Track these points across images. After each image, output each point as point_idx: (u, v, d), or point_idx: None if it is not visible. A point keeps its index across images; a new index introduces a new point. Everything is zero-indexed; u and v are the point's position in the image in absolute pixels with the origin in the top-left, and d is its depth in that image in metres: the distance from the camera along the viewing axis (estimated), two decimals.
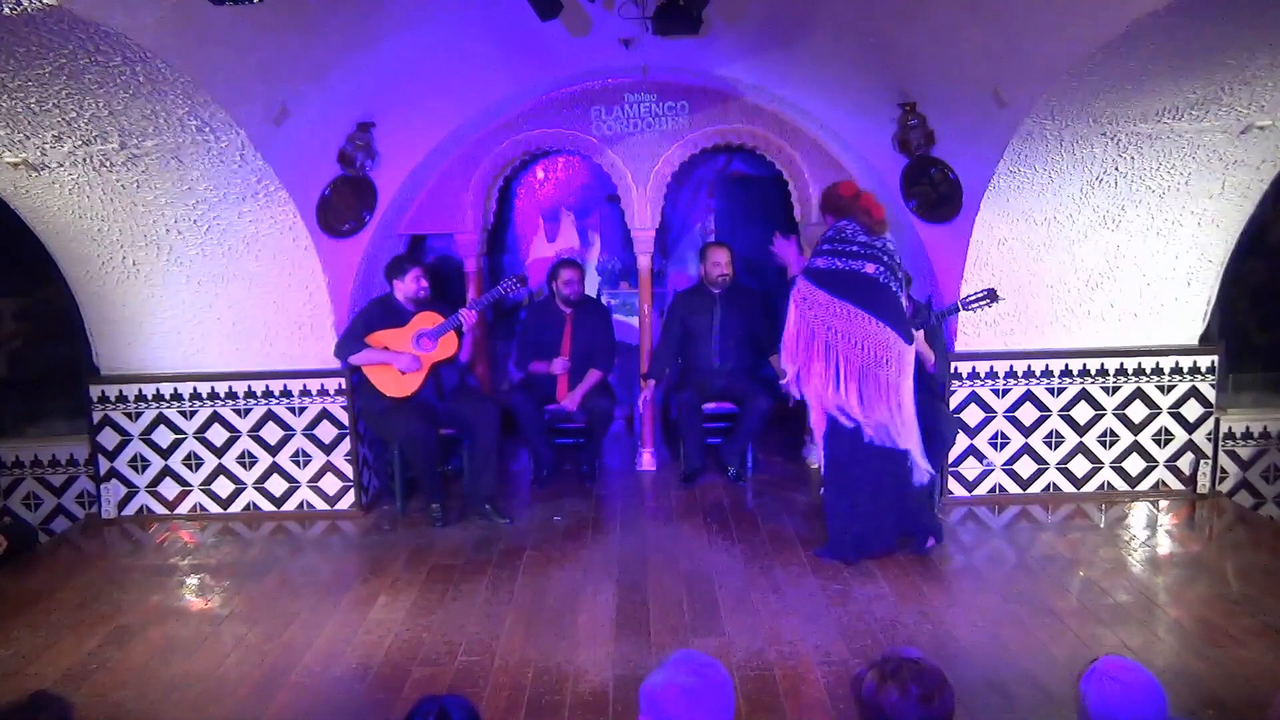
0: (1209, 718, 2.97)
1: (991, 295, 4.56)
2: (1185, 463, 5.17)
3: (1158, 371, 5.10)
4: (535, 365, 5.68)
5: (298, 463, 5.24)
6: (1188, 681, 3.18)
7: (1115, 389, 5.12)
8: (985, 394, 5.12)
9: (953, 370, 5.04)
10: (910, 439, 4.13)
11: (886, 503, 4.23)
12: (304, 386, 5.18)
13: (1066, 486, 5.21)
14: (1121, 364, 5.09)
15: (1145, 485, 5.20)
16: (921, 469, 4.15)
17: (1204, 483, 5.17)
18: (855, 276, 4.07)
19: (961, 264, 4.85)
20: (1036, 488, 5.22)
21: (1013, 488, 5.22)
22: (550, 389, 5.63)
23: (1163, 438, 5.15)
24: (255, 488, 5.27)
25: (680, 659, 1.98)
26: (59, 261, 4.88)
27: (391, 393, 4.89)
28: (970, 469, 5.20)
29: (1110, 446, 5.17)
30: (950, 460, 5.12)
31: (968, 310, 4.60)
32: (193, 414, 5.17)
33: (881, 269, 4.09)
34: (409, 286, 4.94)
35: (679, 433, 5.66)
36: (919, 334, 4.62)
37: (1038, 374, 5.10)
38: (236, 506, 5.27)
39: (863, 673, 1.95)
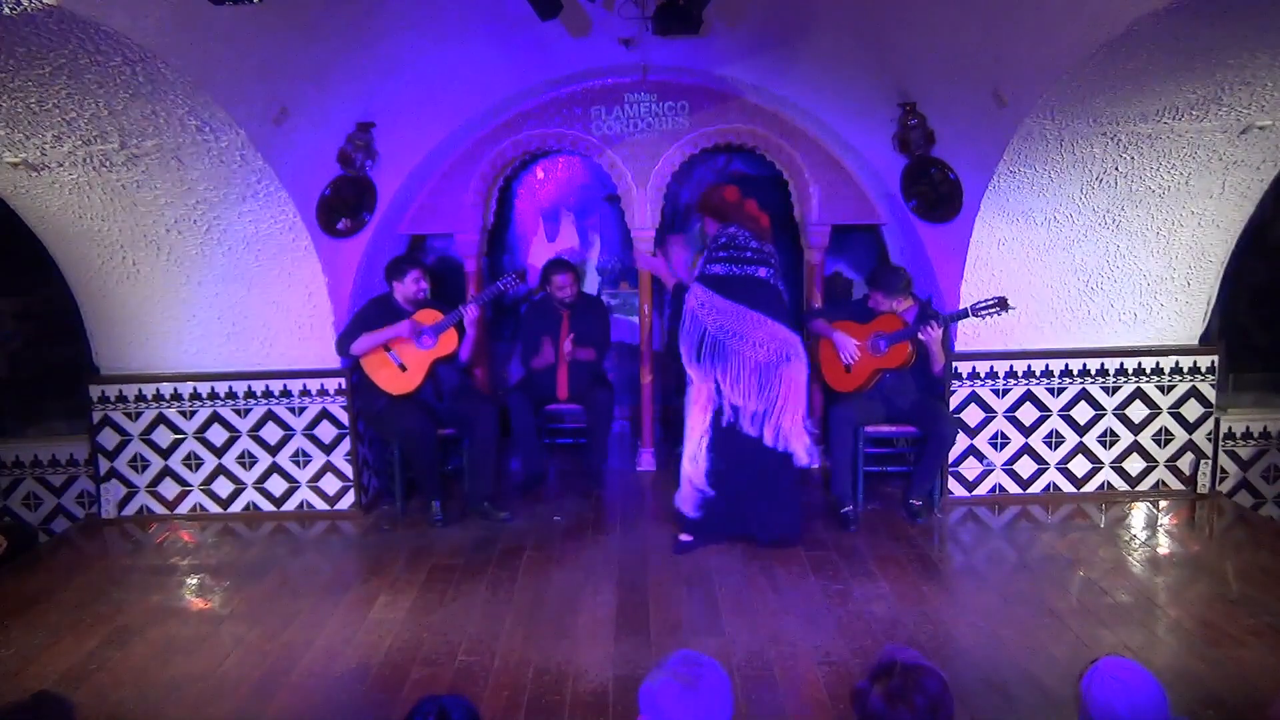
0: (1209, 718, 2.97)
1: (1002, 304, 4.55)
2: (1185, 463, 5.17)
3: (1158, 371, 5.10)
4: (536, 360, 5.67)
5: (298, 463, 5.24)
6: (1188, 681, 3.18)
7: (1115, 389, 5.12)
8: (985, 394, 5.12)
9: (953, 370, 5.04)
10: (797, 434, 4.33)
11: (756, 494, 4.41)
12: (304, 386, 5.18)
13: (1066, 486, 5.21)
14: (1121, 364, 5.09)
15: (1145, 485, 5.20)
16: (802, 457, 4.34)
17: (1204, 483, 5.17)
18: (750, 281, 4.33)
19: (961, 264, 4.85)
20: (1036, 488, 5.22)
21: (1013, 488, 5.22)
22: (549, 389, 5.62)
23: (1163, 438, 5.15)
24: (255, 488, 5.27)
25: (679, 659, 1.98)
26: (59, 261, 4.88)
27: (392, 390, 4.89)
28: (970, 469, 5.20)
29: (1110, 446, 5.17)
30: (950, 460, 5.13)
31: (977, 316, 4.60)
32: (193, 414, 5.17)
33: (771, 272, 4.39)
34: (408, 288, 4.93)
35: (681, 436, 5.64)
36: (936, 334, 4.63)
37: (1038, 374, 5.10)
38: (236, 506, 5.27)
39: (865, 686, 1.93)
